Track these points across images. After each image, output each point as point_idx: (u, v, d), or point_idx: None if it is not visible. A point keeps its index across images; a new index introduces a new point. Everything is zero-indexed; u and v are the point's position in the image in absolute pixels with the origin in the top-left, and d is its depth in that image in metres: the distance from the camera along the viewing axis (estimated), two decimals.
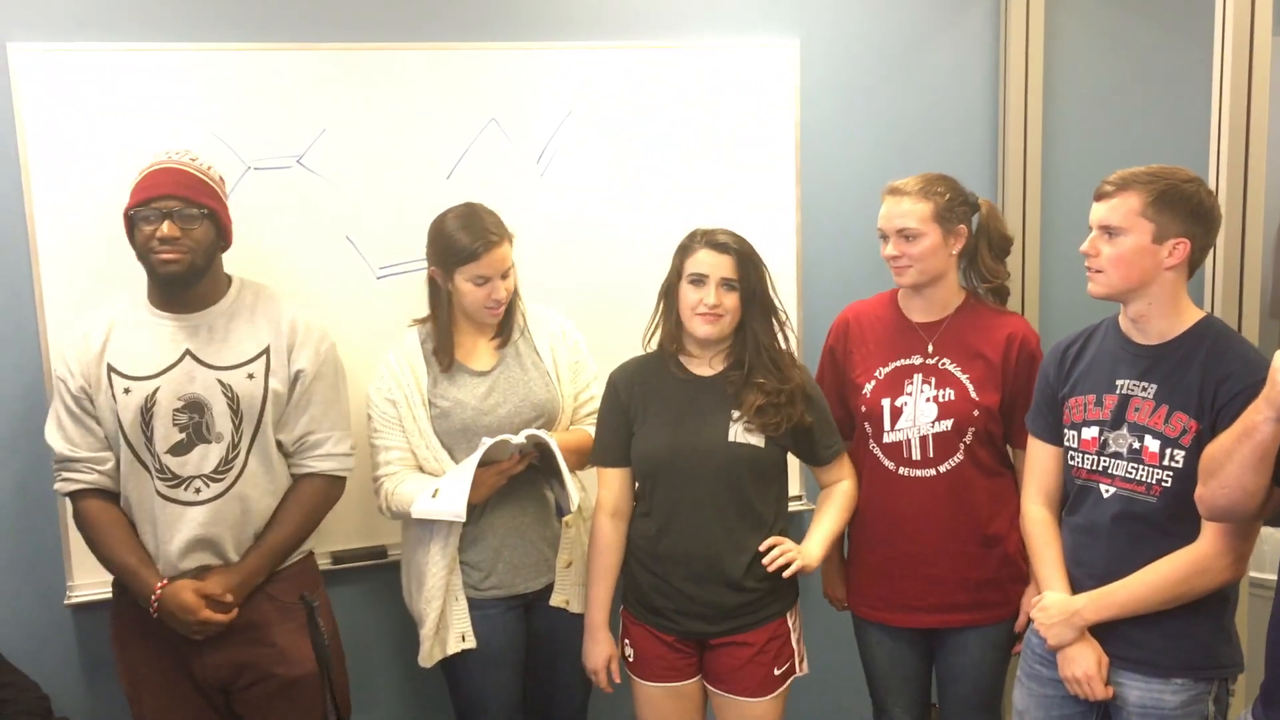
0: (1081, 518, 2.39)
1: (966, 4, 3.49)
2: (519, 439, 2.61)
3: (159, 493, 2.52)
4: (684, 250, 2.60)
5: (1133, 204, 2.23)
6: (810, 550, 2.63)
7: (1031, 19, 3.47)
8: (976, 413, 2.65)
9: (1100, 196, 2.28)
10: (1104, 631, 2.34)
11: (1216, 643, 2.31)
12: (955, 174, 2.73)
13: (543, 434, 2.64)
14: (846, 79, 3.40)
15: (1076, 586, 2.39)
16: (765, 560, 2.56)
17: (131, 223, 2.49)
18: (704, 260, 2.55)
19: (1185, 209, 2.22)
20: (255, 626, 2.58)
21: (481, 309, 2.71)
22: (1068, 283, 3.57)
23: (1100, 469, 2.35)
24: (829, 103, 3.37)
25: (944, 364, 2.68)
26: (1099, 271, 2.28)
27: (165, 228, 2.44)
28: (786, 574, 2.56)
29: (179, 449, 2.52)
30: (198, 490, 2.53)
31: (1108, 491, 2.33)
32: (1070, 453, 2.41)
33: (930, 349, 2.70)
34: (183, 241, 2.46)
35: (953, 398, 2.65)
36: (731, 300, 2.55)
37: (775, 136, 3.31)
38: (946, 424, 2.65)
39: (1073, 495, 2.43)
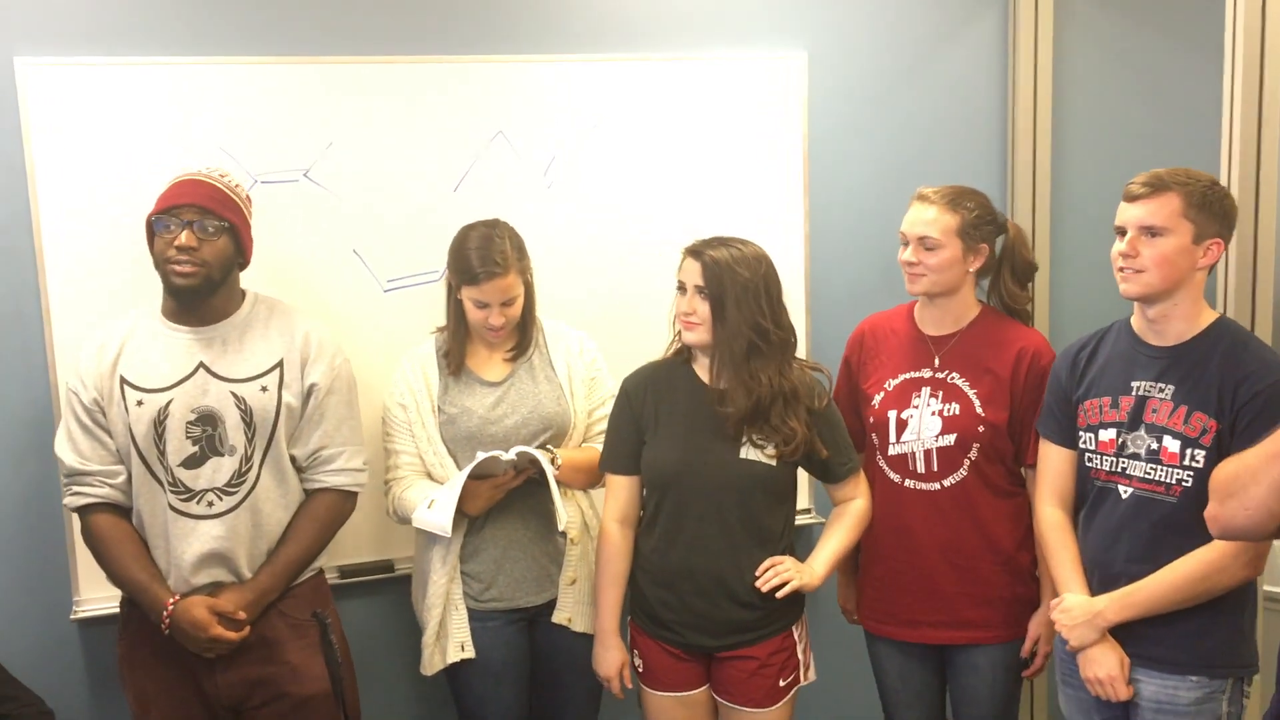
0: (1101, 519, 2.40)
1: (974, 15, 3.48)
2: (509, 455, 2.60)
3: (171, 506, 2.50)
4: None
5: (1175, 205, 2.24)
6: (813, 569, 2.61)
7: (1040, 28, 3.46)
8: (981, 428, 2.63)
9: (1134, 198, 2.28)
10: (1121, 630, 2.36)
11: (1233, 642, 2.33)
12: (964, 184, 2.71)
13: (534, 451, 2.63)
14: (854, 90, 3.39)
15: (1094, 588, 2.40)
16: (759, 582, 2.54)
17: (152, 230, 2.50)
18: (684, 267, 2.57)
19: (1219, 210, 2.26)
20: (268, 644, 2.56)
21: (481, 328, 2.71)
22: (1078, 291, 3.56)
23: (1119, 470, 2.36)
24: (837, 114, 3.37)
25: (952, 378, 2.66)
26: (1139, 272, 2.28)
27: (184, 237, 2.44)
28: (781, 594, 2.54)
29: (192, 462, 2.50)
30: (210, 504, 2.51)
31: (1125, 492, 2.35)
32: (1087, 455, 2.42)
33: (937, 362, 2.68)
34: (199, 253, 2.46)
35: (957, 412, 2.64)
36: (705, 308, 2.53)
37: (783, 148, 3.30)
38: (950, 438, 2.64)
39: (1091, 496, 2.43)
